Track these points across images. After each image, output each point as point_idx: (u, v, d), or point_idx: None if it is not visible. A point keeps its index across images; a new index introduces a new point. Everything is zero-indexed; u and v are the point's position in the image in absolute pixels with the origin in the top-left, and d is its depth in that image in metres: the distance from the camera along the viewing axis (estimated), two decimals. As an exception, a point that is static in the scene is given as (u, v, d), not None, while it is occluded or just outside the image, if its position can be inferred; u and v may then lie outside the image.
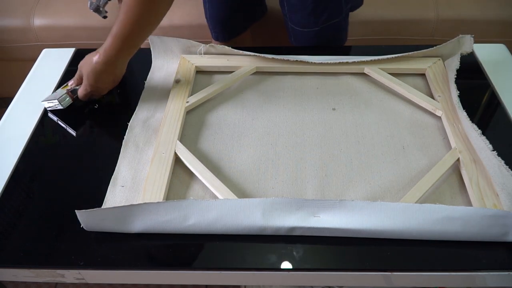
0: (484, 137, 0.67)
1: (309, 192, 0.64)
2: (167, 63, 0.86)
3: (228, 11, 1.06)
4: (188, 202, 0.58)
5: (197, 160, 0.67)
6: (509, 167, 0.63)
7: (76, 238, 0.59)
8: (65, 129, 0.76)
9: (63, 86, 0.79)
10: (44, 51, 0.92)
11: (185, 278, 0.59)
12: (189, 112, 0.77)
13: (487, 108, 0.77)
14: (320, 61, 0.83)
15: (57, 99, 0.75)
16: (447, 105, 0.75)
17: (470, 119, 0.70)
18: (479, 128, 0.68)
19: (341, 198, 0.63)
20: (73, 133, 0.75)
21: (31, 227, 0.61)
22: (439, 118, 0.75)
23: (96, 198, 0.63)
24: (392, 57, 0.83)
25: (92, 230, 0.59)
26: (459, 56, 0.79)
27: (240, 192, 0.64)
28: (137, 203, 0.59)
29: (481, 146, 0.66)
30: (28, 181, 0.67)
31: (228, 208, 0.57)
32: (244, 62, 0.84)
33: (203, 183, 0.65)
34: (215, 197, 0.63)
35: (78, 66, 0.76)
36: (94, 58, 0.72)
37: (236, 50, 0.85)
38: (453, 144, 0.69)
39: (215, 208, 0.57)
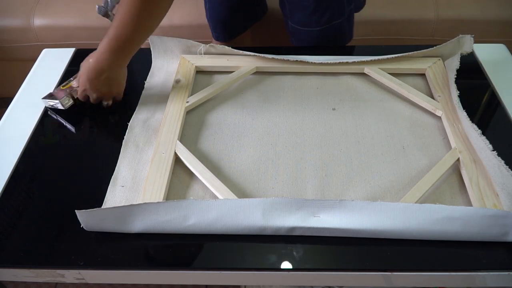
0: (484, 137, 0.67)
1: (309, 192, 0.64)
2: (167, 63, 0.86)
3: (228, 12, 1.06)
4: (188, 202, 0.58)
5: (197, 160, 0.67)
6: (509, 167, 0.63)
7: (76, 238, 0.59)
8: (65, 129, 0.76)
9: (63, 84, 0.79)
10: (44, 51, 0.92)
11: (185, 278, 0.59)
12: (189, 112, 0.77)
13: (487, 108, 0.77)
14: (320, 61, 0.83)
15: (59, 100, 0.76)
16: (447, 105, 0.75)
17: (470, 119, 0.70)
18: (479, 128, 0.68)
19: (341, 198, 0.63)
20: (73, 133, 0.75)
21: (31, 227, 0.61)
22: (439, 118, 0.75)
23: (96, 198, 0.63)
24: (392, 57, 0.83)
25: (92, 230, 0.59)
26: (459, 56, 0.79)
27: (240, 192, 0.64)
28: (137, 203, 0.59)
29: (481, 146, 0.66)
30: (28, 181, 0.67)
31: (228, 208, 0.57)
32: (244, 62, 0.84)
33: (203, 183, 0.65)
34: (215, 197, 0.63)
35: (80, 66, 0.76)
36: (90, 59, 0.72)
37: (236, 50, 0.85)
38: (453, 144, 0.69)
39: (215, 208, 0.57)
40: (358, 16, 1.01)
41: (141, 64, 0.85)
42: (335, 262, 0.57)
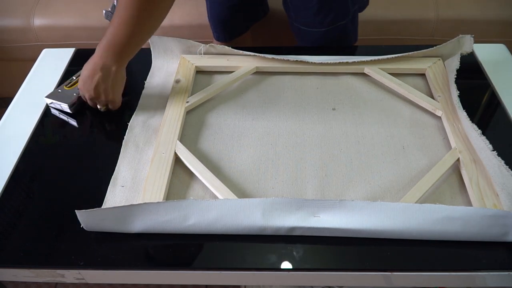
0: (484, 137, 0.67)
1: (309, 192, 0.64)
2: (167, 63, 0.86)
3: (229, 12, 1.06)
4: (188, 202, 0.58)
5: (197, 160, 0.67)
6: (509, 167, 0.63)
7: (76, 238, 0.59)
8: (65, 129, 0.76)
9: (67, 84, 0.79)
10: (44, 51, 0.92)
11: (185, 278, 0.59)
12: (189, 112, 0.77)
13: (487, 108, 0.77)
14: (320, 61, 0.83)
15: (68, 104, 0.75)
16: (447, 105, 0.75)
17: (470, 119, 0.70)
18: (479, 128, 0.68)
19: (341, 198, 0.63)
20: (73, 133, 0.75)
21: (31, 227, 0.61)
22: (439, 118, 0.75)
23: (96, 198, 0.63)
24: (392, 57, 0.83)
25: (92, 230, 0.59)
26: (459, 56, 0.79)
27: (240, 192, 0.64)
28: (137, 203, 0.59)
29: (481, 146, 0.66)
30: (28, 181, 0.67)
31: (228, 208, 0.57)
32: (244, 62, 0.84)
33: (203, 183, 0.65)
34: (215, 197, 0.63)
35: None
36: (90, 58, 0.72)
37: (236, 50, 0.85)
38: (453, 144, 0.69)
39: (215, 208, 0.57)
40: (358, 16, 1.01)
41: (141, 64, 0.85)
42: (335, 262, 0.57)
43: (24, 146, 0.72)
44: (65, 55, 0.90)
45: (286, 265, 0.56)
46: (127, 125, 0.73)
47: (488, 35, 1.32)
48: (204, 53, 0.86)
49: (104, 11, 0.83)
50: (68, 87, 0.79)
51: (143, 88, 0.81)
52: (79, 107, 0.77)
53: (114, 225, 0.58)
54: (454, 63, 0.78)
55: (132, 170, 0.67)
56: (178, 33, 1.30)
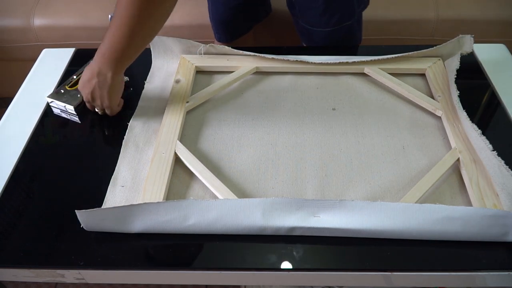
0: (484, 137, 0.67)
1: (309, 192, 0.64)
2: (167, 63, 0.86)
3: (231, 13, 1.05)
4: (188, 202, 0.58)
5: (197, 160, 0.67)
6: (509, 167, 0.63)
7: (76, 238, 0.59)
8: (65, 129, 0.76)
9: (67, 83, 0.79)
10: (44, 51, 0.92)
11: (185, 278, 0.59)
12: (189, 112, 0.77)
13: (487, 108, 0.77)
14: (320, 61, 0.83)
15: (73, 106, 0.75)
16: (447, 105, 0.75)
17: (470, 119, 0.70)
18: (479, 128, 0.68)
19: (341, 198, 0.63)
20: (73, 133, 0.75)
21: (31, 227, 0.61)
22: (439, 118, 0.75)
23: (96, 198, 0.63)
24: (392, 57, 0.83)
25: (92, 230, 0.59)
26: (459, 56, 0.79)
27: (240, 192, 0.64)
28: (137, 203, 0.59)
29: (481, 146, 0.66)
30: (28, 181, 0.67)
31: (228, 208, 0.57)
32: (244, 62, 0.84)
33: (203, 183, 0.65)
34: (215, 197, 0.63)
35: None
36: (89, 63, 0.71)
37: (236, 50, 0.85)
38: (453, 144, 0.69)
39: (215, 208, 0.57)
40: (359, 16, 1.02)
41: (141, 64, 0.85)
42: (335, 262, 0.57)
43: (24, 146, 0.72)
44: (65, 55, 0.90)
45: (286, 265, 0.56)
46: (127, 125, 0.73)
47: (488, 35, 1.32)
48: (204, 53, 0.86)
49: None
50: (70, 87, 0.79)
51: (143, 88, 0.81)
52: (84, 108, 0.77)
53: (114, 225, 0.58)
54: (454, 63, 0.78)
55: (132, 170, 0.67)
56: (178, 33, 1.30)
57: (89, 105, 0.75)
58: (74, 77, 0.80)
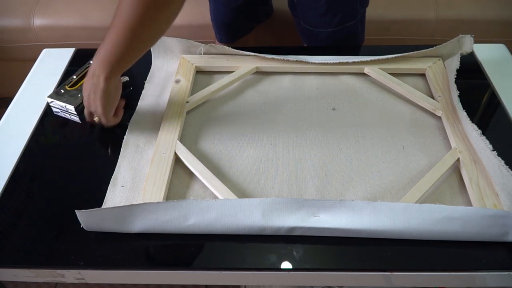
0: (484, 137, 0.67)
1: (309, 192, 0.64)
2: (167, 63, 0.86)
3: (233, 14, 1.05)
4: (188, 202, 0.58)
5: (197, 160, 0.67)
6: (509, 167, 0.63)
7: (76, 238, 0.59)
8: (65, 129, 0.76)
9: (67, 83, 0.79)
10: (44, 51, 0.92)
11: (185, 278, 0.59)
12: (189, 112, 0.77)
13: (487, 108, 0.77)
14: (320, 61, 0.83)
15: (74, 106, 0.75)
16: (447, 105, 0.75)
17: (470, 119, 0.69)
18: (479, 128, 0.68)
19: (341, 198, 0.63)
20: (73, 133, 0.75)
21: (31, 227, 0.61)
22: (439, 118, 0.75)
23: (96, 198, 0.63)
24: (392, 57, 0.83)
25: (92, 230, 0.59)
26: (459, 56, 0.79)
27: (240, 192, 0.64)
28: (137, 203, 0.59)
29: (481, 146, 0.66)
30: (28, 181, 0.67)
31: (228, 208, 0.57)
32: (244, 62, 0.84)
33: (203, 183, 0.65)
34: (215, 197, 0.63)
35: None
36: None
37: (236, 50, 0.85)
38: (453, 144, 0.69)
39: (215, 208, 0.57)
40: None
41: (141, 64, 0.84)
42: (335, 262, 0.57)
43: (24, 146, 0.72)
44: (65, 55, 0.90)
45: (286, 265, 0.56)
46: (127, 125, 0.73)
47: (488, 35, 1.32)
48: (204, 53, 0.86)
49: None
50: (70, 87, 0.79)
51: (143, 88, 0.81)
52: (83, 108, 0.77)
53: (114, 225, 0.58)
54: (454, 63, 0.78)
55: (132, 170, 0.67)
56: (178, 33, 1.30)
57: (87, 111, 0.70)
58: (74, 77, 0.80)
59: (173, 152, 0.68)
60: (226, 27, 1.08)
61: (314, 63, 0.82)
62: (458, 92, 0.74)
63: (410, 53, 0.83)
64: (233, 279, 0.59)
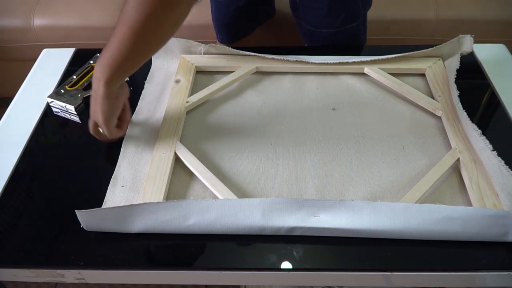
0: (484, 137, 0.67)
1: (309, 192, 0.64)
2: (167, 63, 0.86)
3: (235, 14, 1.04)
4: (188, 202, 0.58)
5: (197, 160, 0.67)
6: (509, 167, 0.63)
7: (76, 238, 0.59)
8: (65, 129, 0.76)
9: (67, 83, 0.79)
10: (44, 51, 0.92)
11: (185, 278, 0.59)
12: (189, 112, 0.77)
13: (487, 108, 0.77)
14: (320, 61, 0.83)
15: (74, 106, 0.75)
16: (447, 105, 0.75)
17: (470, 119, 0.69)
18: (479, 128, 0.68)
19: (341, 198, 0.63)
20: (73, 133, 0.75)
21: (31, 227, 0.61)
22: (439, 118, 0.75)
23: (96, 198, 0.63)
24: (392, 57, 0.83)
25: (92, 230, 0.59)
26: (459, 56, 0.79)
27: (240, 192, 0.64)
28: (137, 203, 0.59)
29: (481, 146, 0.66)
30: (28, 181, 0.67)
31: (228, 208, 0.57)
32: (244, 62, 0.84)
33: (203, 183, 0.65)
34: (215, 197, 0.63)
35: None
36: None
37: (236, 50, 0.85)
38: (453, 144, 0.69)
39: (215, 208, 0.57)
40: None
41: (141, 64, 0.85)
42: (335, 262, 0.57)
43: (24, 146, 0.72)
44: (65, 55, 0.90)
45: (286, 265, 0.56)
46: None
47: (488, 35, 1.32)
48: (204, 53, 0.86)
49: None
50: (70, 87, 0.79)
51: (143, 88, 0.81)
52: (84, 108, 0.77)
53: (114, 225, 0.58)
54: (454, 63, 0.78)
55: (132, 170, 0.67)
56: (178, 33, 1.29)
57: (91, 121, 0.66)
58: (74, 77, 0.80)
59: (173, 152, 0.68)
60: (228, 27, 1.08)
61: (314, 63, 0.82)
62: (458, 92, 0.74)
63: (410, 53, 0.83)
64: (233, 279, 0.59)
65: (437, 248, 0.57)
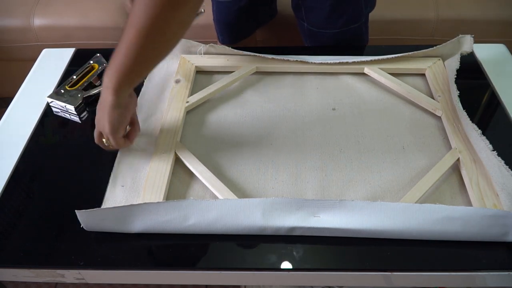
0: (484, 137, 0.67)
1: (309, 192, 0.64)
2: (167, 63, 0.86)
3: (236, 15, 1.04)
4: (188, 202, 0.58)
5: (197, 160, 0.67)
6: (509, 167, 0.63)
7: (76, 238, 0.59)
8: (65, 129, 0.76)
9: (67, 83, 0.79)
10: (44, 51, 0.92)
11: (185, 278, 0.59)
12: (189, 112, 0.77)
13: (487, 108, 0.77)
14: (320, 61, 0.83)
15: (74, 106, 0.74)
16: (447, 105, 0.75)
17: (470, 119, 0.69)
18: (479, 128, 0.68)
19: (341, 198, 0.63)
20: (73, 133, 0.75)
21: (31, 227, 0.61)
22: (439, 118, 0.75)
23: (96, 198, 0.63)
24: (392, 57, 0.83)
25: (92, 230, 0.59)
26: (459, 56, 0.79)
27: (240, 192, 0.64)
28: (137, 203, 0.59)
29: (481, 146, 0.66)
30: (28, 181, 0.67)
31: (228, 208, 0.57)
32: (244, 62, 0.84)
33: (203, 183, 0.65)
34: (215, 197, 0.63)
35: None
36: None
37: (236, 50, 0.85)
38: (453, 144, 0.69)
39: (215, 208, 0.57)
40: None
41: (141, 64, 0.85)
42: (335, 262, 0.57)
43: (24, 146, 0.72)
44: (65, 55, 0.90)
45: (286, 265, 0.56)
46: (127, 125, 0.73)
47: (488, 35, 1.32)
48: (204, 53, 0.86)
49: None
50: (70, 87, 0.79)
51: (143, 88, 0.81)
52: (84, 108, 0.77)
53: (114, 225, 0.58)
54: (454, 63, 0.78)
55: (132, 170, 0.67)
56: (178, 33, 1.30)
57: (96, 131, 0.64)
58: (74, 77, 0.80)
59: (173, 152, 0.68)
60: (229, 27, 1.07)
61: (314, 63, 0.82)
62: (458, 92, 0.74)
63: (410, 53, 0.83)
64: (233, 279, 0.59)
65: (437, 248, 0.57)
